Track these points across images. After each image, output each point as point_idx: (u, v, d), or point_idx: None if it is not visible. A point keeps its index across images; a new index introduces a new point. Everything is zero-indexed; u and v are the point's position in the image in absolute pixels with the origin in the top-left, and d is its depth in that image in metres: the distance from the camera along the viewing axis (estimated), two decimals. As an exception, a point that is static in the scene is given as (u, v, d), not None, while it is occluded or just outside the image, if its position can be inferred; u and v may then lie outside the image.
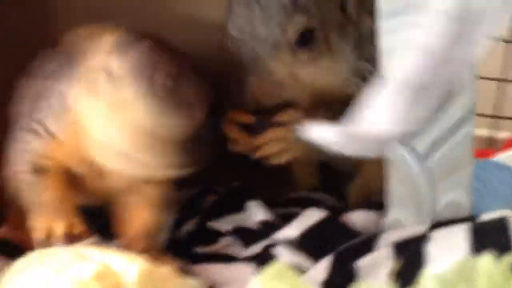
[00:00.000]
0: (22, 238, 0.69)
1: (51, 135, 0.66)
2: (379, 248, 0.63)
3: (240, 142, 0.73)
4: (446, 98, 0.55)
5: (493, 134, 1.16)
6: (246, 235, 0.74)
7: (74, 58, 0.65)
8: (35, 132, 0.66)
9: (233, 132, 0.73)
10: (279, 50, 0.67)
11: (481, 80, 1.08)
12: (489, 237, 0.57)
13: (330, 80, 0.70)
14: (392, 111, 0.52)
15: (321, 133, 0.54)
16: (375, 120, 0.52)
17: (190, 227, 0.78)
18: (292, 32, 0.67)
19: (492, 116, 1.16)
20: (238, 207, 0.79)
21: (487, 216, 0.63)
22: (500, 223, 0.60)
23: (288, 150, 0.72)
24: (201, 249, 0.73)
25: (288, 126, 0.70)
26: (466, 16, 0.50)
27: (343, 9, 0.70)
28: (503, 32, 1.09)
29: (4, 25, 0.82)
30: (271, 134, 0.71)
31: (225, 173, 0.82)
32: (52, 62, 0.69)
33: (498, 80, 1.13)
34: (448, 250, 0.58)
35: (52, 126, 0.65)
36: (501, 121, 1.16)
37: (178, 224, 0.78)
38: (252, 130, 0.72)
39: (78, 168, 0.67)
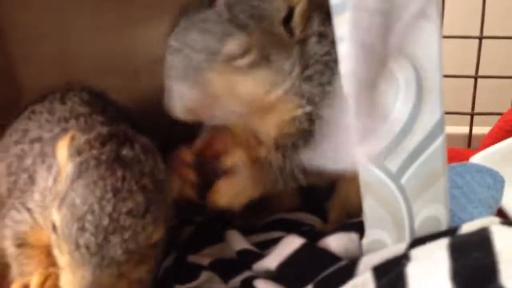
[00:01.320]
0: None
1: (36, 221, 0.68)
2: (359, 274, 0.61)
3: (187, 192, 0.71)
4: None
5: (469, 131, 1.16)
6: (226, 268, 0.72)
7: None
8: (22, 215, 0.69)
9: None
10: (215, 62, 0.66)
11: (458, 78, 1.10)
12: (469, 255, 0.56)
13: (267, 93, 0.68)
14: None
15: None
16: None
17: (169, 262, 0.76)
18: (228, 46, 0.65)
19: (470, 114, 1.16)
20: (217, 236, 0.78)
21: (467, 227, 0.62)
22: (480, 236, 0.59)
23: (239, 196, 0.70)
24: (181, 286, 0.72)
25: (234, 172, 0.69)
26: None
27: (286, 24, 0.69)
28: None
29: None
30: (217, 187, 0.69)
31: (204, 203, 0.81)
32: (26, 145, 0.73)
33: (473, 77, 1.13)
34: (429, 271, 0.56)
35: (36, 214, 0.68)
36: (478, 117, 1.16)
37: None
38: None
39: None
